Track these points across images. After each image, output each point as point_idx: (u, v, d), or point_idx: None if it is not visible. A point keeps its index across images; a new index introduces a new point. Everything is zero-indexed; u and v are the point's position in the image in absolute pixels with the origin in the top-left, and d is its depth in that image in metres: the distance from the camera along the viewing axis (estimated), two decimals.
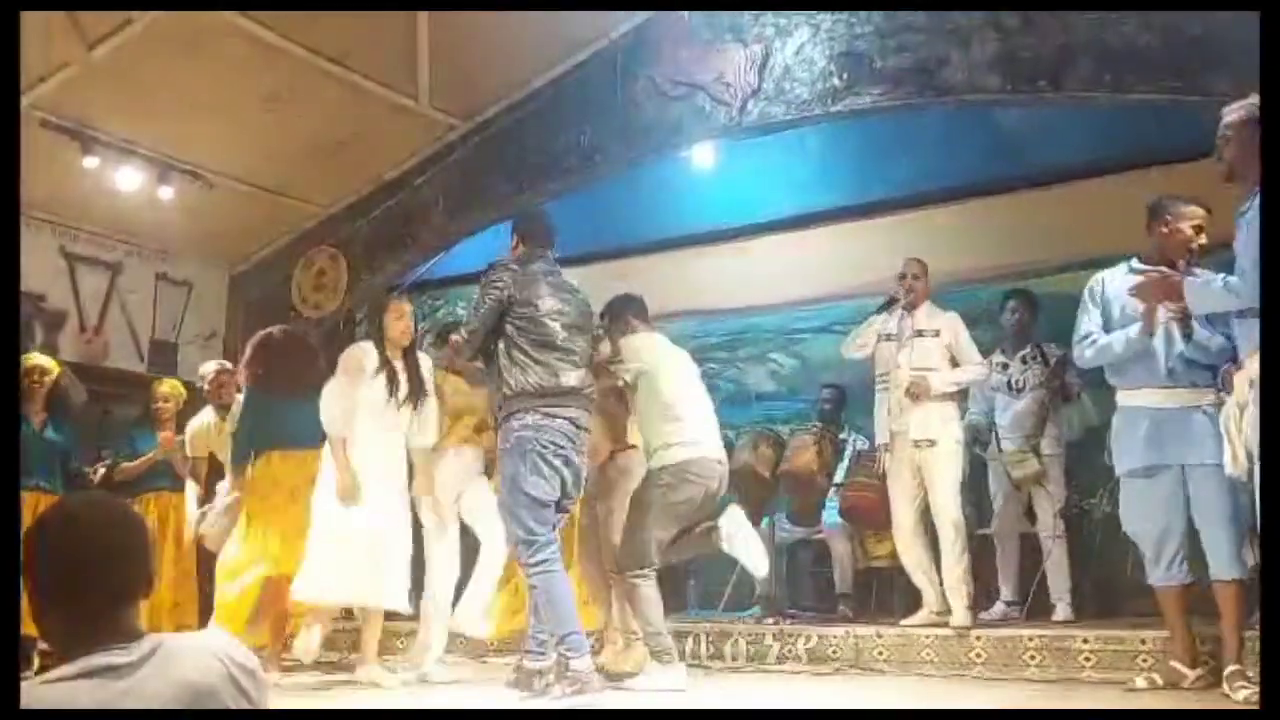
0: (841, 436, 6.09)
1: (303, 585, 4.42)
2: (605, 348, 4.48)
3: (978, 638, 4.63)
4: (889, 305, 5.24)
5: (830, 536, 5.87)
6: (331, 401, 4.50)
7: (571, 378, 3.95)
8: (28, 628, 4.98)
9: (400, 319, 4.62)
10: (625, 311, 4.67)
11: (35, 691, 1.41)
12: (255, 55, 5.99)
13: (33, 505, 5.18)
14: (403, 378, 4.58)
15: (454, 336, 4.40)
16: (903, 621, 4.94)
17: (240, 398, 5.52)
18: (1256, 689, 3.46)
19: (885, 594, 5.95)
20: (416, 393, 4.60)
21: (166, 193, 6.78)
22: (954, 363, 5.05)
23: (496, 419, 4.06)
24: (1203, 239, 3.85)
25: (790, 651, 4.78)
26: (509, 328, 3.96)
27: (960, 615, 4.76)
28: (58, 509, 1.60)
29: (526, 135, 6.85)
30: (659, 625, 4.22)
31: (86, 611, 1.49)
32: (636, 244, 7.37)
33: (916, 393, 4.91)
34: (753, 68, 5.91)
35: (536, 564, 3.83)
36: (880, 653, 4.78)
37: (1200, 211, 3.88)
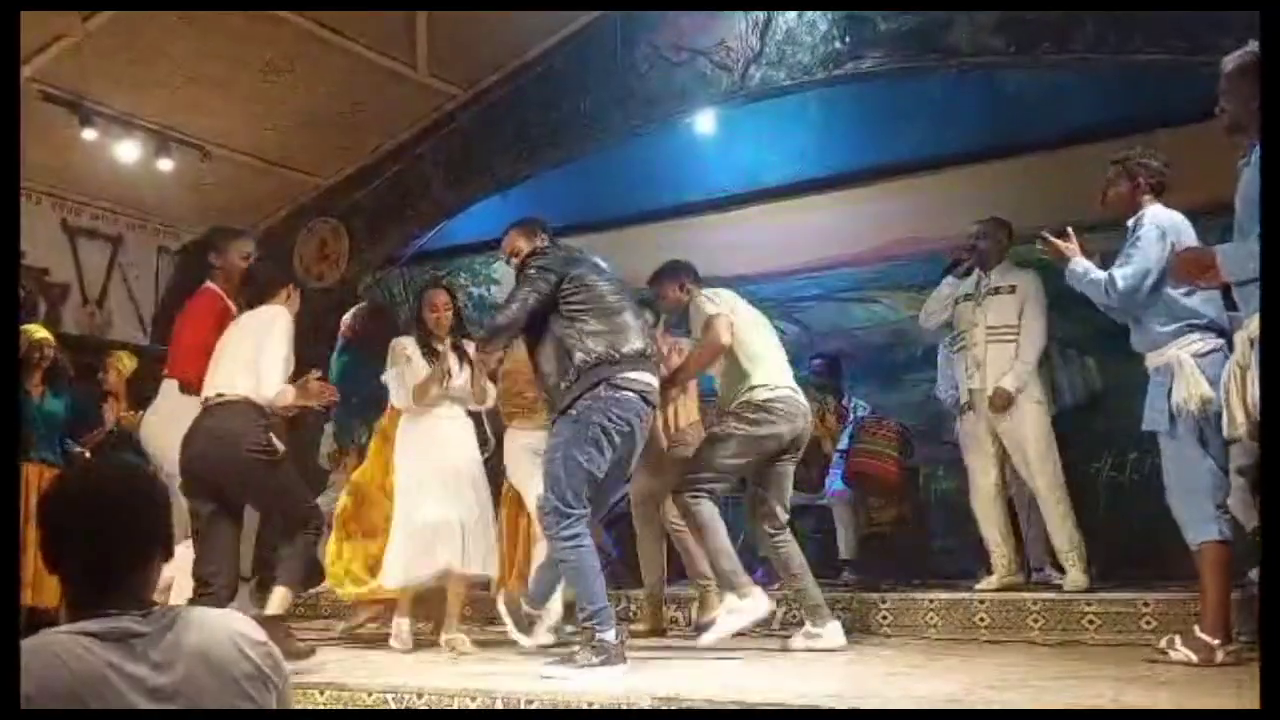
0: (844, 403, 6.10)
1: (390, 575, 4.50)
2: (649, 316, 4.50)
3: (981, 601, 4.65)
4: (953, 268, 5.17)
5: (834, 502, 5.89)
6: (396, 385, 4.67)
7: (638, 342, 3.84)
8: (39, 597, 4.90)
9: (433, 311, 4.70)
10: (683, 276, 4.63)
11: (43, 639, 1.42)
12: (254, 26, 5.97)
13: (35, 477, 5.20)
14: (451, 359, 4.66)
15: (478, 333, 4.49)
16: (976, 587, 4.89)
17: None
18: (1189, 651, 3.43)
19: (887, 558, 5.96)
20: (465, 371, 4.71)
21: (166, 165, 6.78)
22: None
23: (555, 401, 3.85)
24: None
25: (794, 616, 4.78)
26: (565, 306, 3.83)
27: (1076, 578, 4.69)
28: (85, 470, 1.63)
29: (527, 104, 6.82)
30: (726, 547, 4.17)
31: (108, 570, 1.51)
32: (637, 212, 7.33)
33: (1000, 405, 4.83)
34: (754, 32, 5.86)
35: (568, 537, 3.69)
36: (885, 617, 4.81)
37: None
